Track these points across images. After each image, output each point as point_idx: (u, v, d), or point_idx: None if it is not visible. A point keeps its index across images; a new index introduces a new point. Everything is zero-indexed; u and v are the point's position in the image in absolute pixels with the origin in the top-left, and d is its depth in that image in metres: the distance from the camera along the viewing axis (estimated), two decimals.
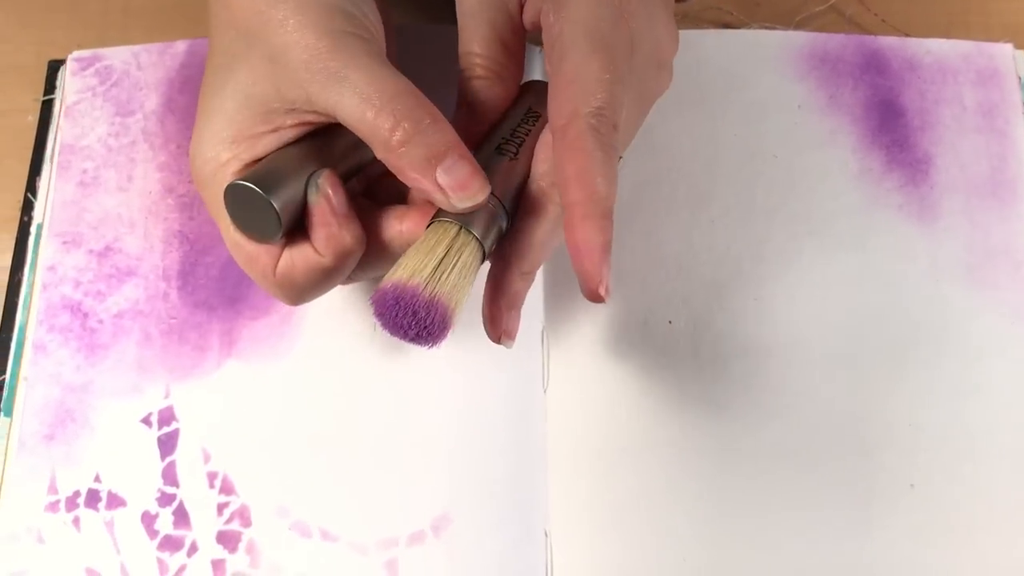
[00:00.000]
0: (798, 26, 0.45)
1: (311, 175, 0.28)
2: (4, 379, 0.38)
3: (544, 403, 0.37)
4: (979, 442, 0.36)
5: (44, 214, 0.40)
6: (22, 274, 0.39)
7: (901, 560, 0.35)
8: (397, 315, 0.26)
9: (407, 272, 0.27)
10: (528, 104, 0.31)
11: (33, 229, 0.41)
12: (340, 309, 0.37)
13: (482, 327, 0.30)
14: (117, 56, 0.42)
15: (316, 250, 0.28)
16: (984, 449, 0.36)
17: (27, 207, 0.41)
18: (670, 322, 0.38)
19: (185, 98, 0.40)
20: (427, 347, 0.27)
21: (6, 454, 0.37)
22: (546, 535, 0.35)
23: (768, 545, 0.35)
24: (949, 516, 0.35)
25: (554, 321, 0.38)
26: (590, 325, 0.38)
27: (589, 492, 0.36)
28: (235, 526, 0.35)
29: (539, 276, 0.38)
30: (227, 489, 0.35)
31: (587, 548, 0.36)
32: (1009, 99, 0.41)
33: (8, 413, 0.38)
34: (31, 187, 0.42)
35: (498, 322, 0.29)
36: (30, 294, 0.39)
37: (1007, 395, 0.36)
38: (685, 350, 0.37)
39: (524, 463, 0.36)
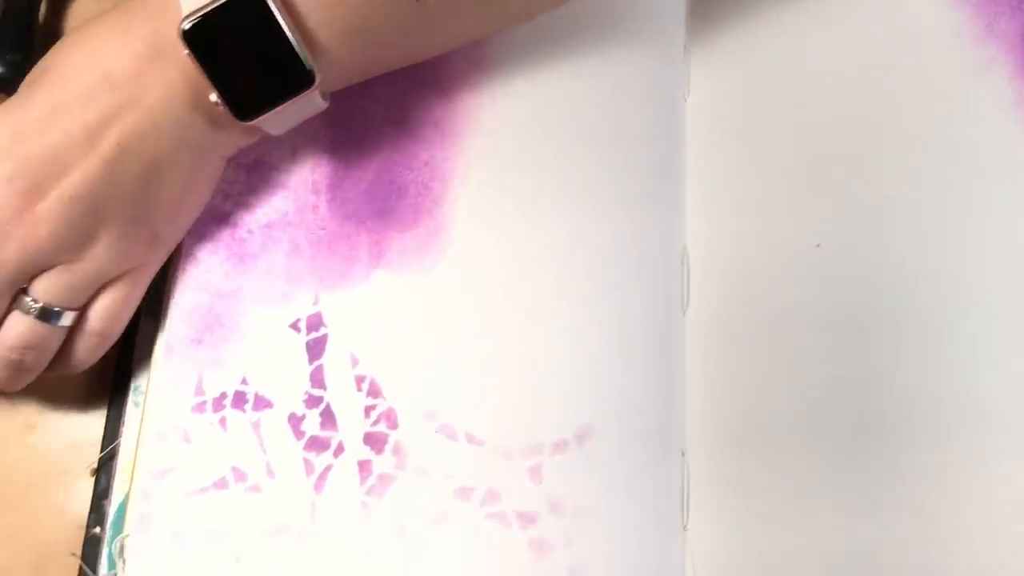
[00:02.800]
0: None
1: None
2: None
3: (684, 324, 0.38)
4: None
5: None
6: None
7: None
8: None
9: None
10: None
11: None
12: (488, 220, 0.39)
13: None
14: None
15: None
16: None
17: None
18: (818, 245, 0.39)
19: None
20: None
21: (152, 358, 0.39)
22: (682, 455, 0.36)
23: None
24: None
25: (696, 240, 0.41)
26: (738, 243, 0.39)
27: (725, 413, 0.37)
28: (382, 428, 0.37)
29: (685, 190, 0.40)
30: (374, 392, 0.37)
31: (721, 469, 0.36)
32: None
33: (155, 317, 0.40)
34: None
35: None
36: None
37: None
38: (832, 273, 0.38)
39: (665, 382, 0.37)
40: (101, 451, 0.43)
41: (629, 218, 0.42)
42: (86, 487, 0.43)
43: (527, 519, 0.38)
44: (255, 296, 0.42)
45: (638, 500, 0.39)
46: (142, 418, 0.41)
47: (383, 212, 0.43)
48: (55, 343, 0.38)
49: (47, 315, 0.37)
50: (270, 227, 0.43)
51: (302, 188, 0.44)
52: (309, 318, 0.41)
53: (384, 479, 0.39)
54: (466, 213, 0.42)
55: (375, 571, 0.38)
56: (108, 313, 0.39)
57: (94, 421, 0.44)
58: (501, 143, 0.43)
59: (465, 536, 0.38)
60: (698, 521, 0.39)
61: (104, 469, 0.43)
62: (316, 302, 0.42)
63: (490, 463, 0.39)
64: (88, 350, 0.40)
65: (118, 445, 0.42)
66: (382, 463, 0.39)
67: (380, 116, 0.44)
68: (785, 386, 0.40)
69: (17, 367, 0.37)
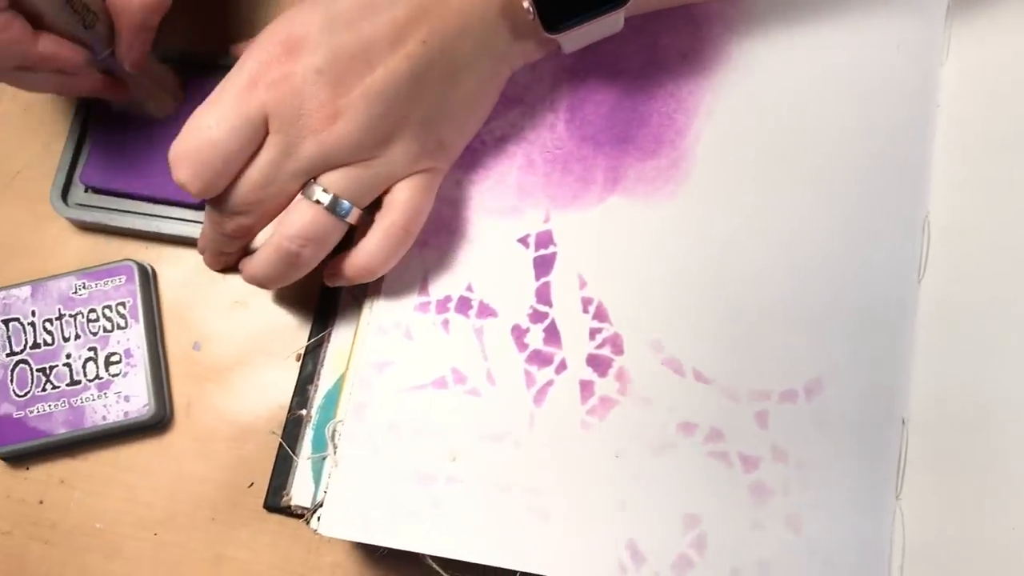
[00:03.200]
0: None
1: None
2: None
3: (917, 292, 0.38)
4: None
5: None
6: None
7: None
8: None
9: None
10: None
11: None
12: (732, 158, 0.41)
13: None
14: None
15: None
16: None
17: None
18: None
19: None
20: None
21: None
22: (903, 423, 0.36)
23: None
24: None
25: (939, 208, 0.42)
26: (982, 219, 0.41)
27: (950, 387, 0.37)
28: (606, 352, 0.37)
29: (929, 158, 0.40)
30: (600, 316, 0.37)
31: (940, 442, 0.36)
32: None
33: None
34: None
35: None
36: None
37: None
38: None
39: (895, 348, 0.37)
40: (309, 338, 0.43)
41: (873, 178, 0.42)
42: (290, 371, 0.44)
43: (750, 463, 0.38)
44: (484, 207, 0.42)
45: (857, 462, 0.39)
46: (363, 310, 0.42)
47: (623, 138, 0.43)
48: (334, 239, 0.38)
49: (335, 207, 0.37)
50: (504, 140, 0.43)
51: (540, 105, 0.44)
52: (539, 235, 0.42)
53: (605, 402, 0.39)
54: (708, 148, 0.42)
55: (589, 489, 0.38)
56: (409, 208, 0.39)
57: (303, 308, 0.45)
58: (749, 82, 0.43)
59: (685, 470, 0.38)
60: (911, 492, 0.39)
61: (311, 355, 0.43)
62: (547, 220, 0.42)
63: (716, 402, 0.39)
64: (390, 247, 0.39)
65: (328, 334, 0.43)
66: (605, 386, 0.39)
67: (628, 41, 0.44)
68: (1013, 367, 0.40)
69: (292, 260, 0.38)
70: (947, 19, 0.43)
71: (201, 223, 0.45)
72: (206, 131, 0.35)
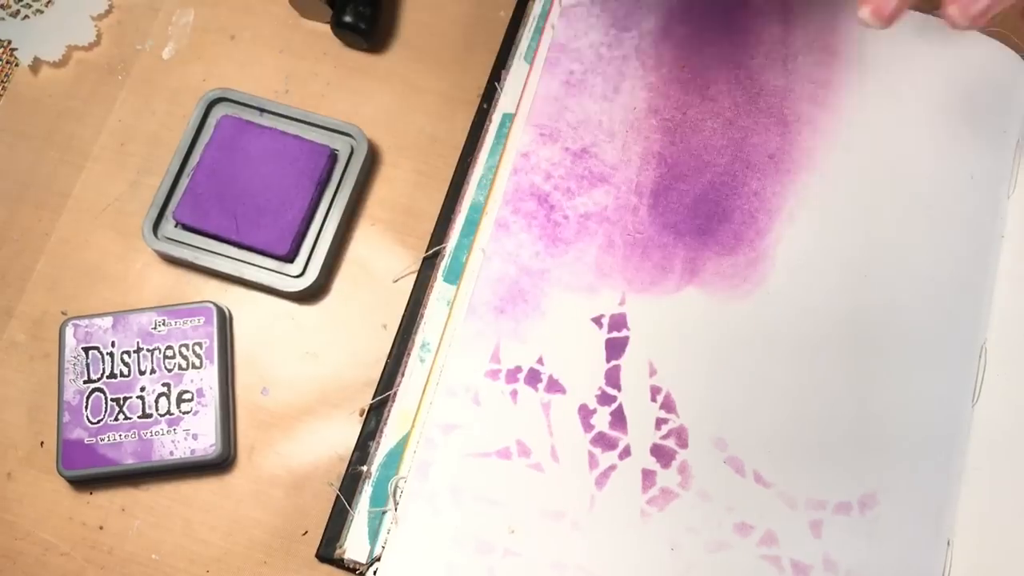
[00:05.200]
0: None
1: None
2: (445, 248, 0.41)
3: (971, 416, 0.38)
4: None
5: (517, 105, 0.44)
6: (476, 156, 0.43)
7: None
8: None
9: None
10: None
11: (496, 116, 0.44)
12: (810, 264, 0.43)
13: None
14: None
15: None
16: None
17: (488, 95, 0.45)
18: None
19: (684, 29, 0.43)
20: None
21: (448, 318, 0.41)
22: (948, 544, 0.37)
23: None
24: None
25: (998, 337, 0.42)
26: None
27: (999, 515, 0.37)
28: (671, 443, 0.38)
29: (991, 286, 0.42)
30: (668, 407, 0.38)
31: (985, 566, 0.37)
32: None
33: (453, 281, 0.41)
34: (496, 77, 0.45)
35: None
36: (491, 176, 0.42)
37: None
38: None
39: (947, 470, 0.38)
40: (375, 396, 0.44)
41: (938, 302, 0.42)
42: (353, 425, 0.45)
43: (801, 569, 0.39)
44: (562, 282, 0.43)
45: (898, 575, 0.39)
46: (430, 369, 0.43)
47: (704, 231, 0.44)
48: None
49: None
50: (587, 217, 0.44)
51: (625, 187, 0.45)
52: (613, 316, 0.42)
53: (666, 493, 0.40)
54: (788, 252, 0.43)
55: None
56: None
57: (370, 365, 0.46)
58: (833, 190, 0.43)
59: (737, 570, 0.39)
60: None
61: (375, 413, 0.44)
62: (622, 303, 0.43)
63: (773, 506, 0.39)
64: None
65: (394, 394, 0.44)
66: (666, 478, 0.40)
67: (718, 135, 0.45)
68: None
69: None
70: (1016, 152, 0.44)
71: (280, 272, 0.46)
72: None
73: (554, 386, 0.41)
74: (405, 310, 0.45)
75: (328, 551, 0.42)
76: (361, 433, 0.44)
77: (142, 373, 0.44)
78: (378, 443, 0.43)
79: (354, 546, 0.42)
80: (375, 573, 0.39)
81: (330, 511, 0.43)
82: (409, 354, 0.44)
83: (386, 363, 0.45)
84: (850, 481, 0.40)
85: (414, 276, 0.46)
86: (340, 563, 0.42)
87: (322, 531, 0.43)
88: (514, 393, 0.41)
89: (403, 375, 0.44)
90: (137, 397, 0.44)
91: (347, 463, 0.43)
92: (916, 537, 0.40)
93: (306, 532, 0.44)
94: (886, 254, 0.42)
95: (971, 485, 0.41)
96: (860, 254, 0.42)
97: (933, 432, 0.41)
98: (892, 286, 0.42)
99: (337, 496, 0.43)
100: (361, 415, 0.45)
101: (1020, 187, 0.45)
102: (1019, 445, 0.41)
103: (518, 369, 0.42)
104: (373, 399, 0.44)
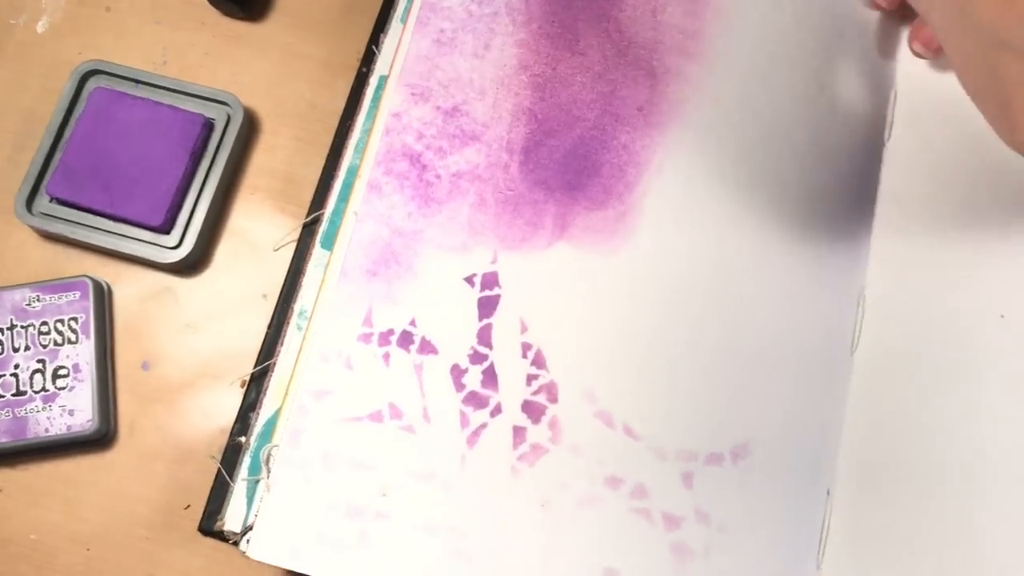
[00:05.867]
0: None
1: None
2: (323, 214, 0.40)
3: (851, 364, 0.38)
4: None
5: (390, 66, 0.43)
6: (354, 121, 0.42)
7: None
8: None
9: None
10: None
11: (373, 80, 0.43)
12: (678, 216, 0.42)
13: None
14: None
15: None
16: None
17: (367, 59, 0.44)
18: (1002, 316, 0.39)
19: None
20: None
21: (322, 284, 0.40)
22: (828, 494, 0.36)
23: None
24: None
25: (876, 283, 0.42)
26: (911, 294, 0.42)
27: (878, 458, 0.37)
28: (541, 399, 0.37)
29: (871, 233, 0.42)
30: (539, 363, 0.38)
31: (867, 512, 0.37)
32: None
33: (328, 247, 0.41)
34: (375, 41, 0.44)
35: None
36: (366, 139, 0.41)
37: None
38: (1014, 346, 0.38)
39: (824, 418, 0.38)
40: (255, 366, 0.44)
41: (812, 247, 0.42)
42: (234, 396, 0.44)
43: (672, 521, 0.39)
44: (435, 242, 0.43)
45: (780, 529, 0.39)
46: (304, 337, 0.42)
47: (574, 186, 0.43)
48: None
49: None
50: (459, 176, 0.44)
51: (496, 144, 0.44)
52: (485, 275, 0.42)
53: (536, 449, 0.39)
54: (656, 204, 0.42)
55: (513, 535, 0.38)
56: None
57: (252, 336, 0.45)
58: (703, 142, 0.43)
59: (608, 523, 0.39)
60: (833, 564, 0.39)
61: (255, 383, 0.44)
62: (494, 260, 0.42)
63: (644, 459, 0.39)
64: None
65: (274, 363, 0.43)
66: (537, 433, 0.40)
67: (587, 89, 0.44)
68: (943, 440, 0.40)
69: None
70: (892, 99, 0.44)
71: (157, 244, 0.45)
72: None
73: (426, 347, 0.41)
74: (285, 279, 0.44)
75: (209, 524, 0.42)
76: (242, 404, 0.43)
77: (16, 350, 0.43)
78: (257, 414, 0.43)
79: (233, 517, 0.41)
80: (248, 541, 0.39)
81: (212, 484, 0.42)
82: (288, 323, 0.44)
83: (266, 333, 0.44)
84: (721, 432, 0.39)
85: (294, 244, 0.45)
86: (221, 535, 0.42)
87: (204, 504, 0.42)
88: (386, 356, 0.41)
89: (282, 344, 0.44)
90: (11, 375, 0.43)
91: (228, 435, 0.43)
92: (793, 487, 0.40)
93: (188, 506, 0.43)
94: (756, 202, 0.42)
95: (851, 434, 0.41)
96: (729, 204, 0.42)
97: (808, 381, 0.41)
98: (763, 233, 0.42)
99: (218, 469, 0.42)
100: (242, 386, 0.44)
101: (896, 135, 0.44)
102: (900, 393, 0.41)
103: (390, 332, 0.41)
104: (254, 369, 0.44)
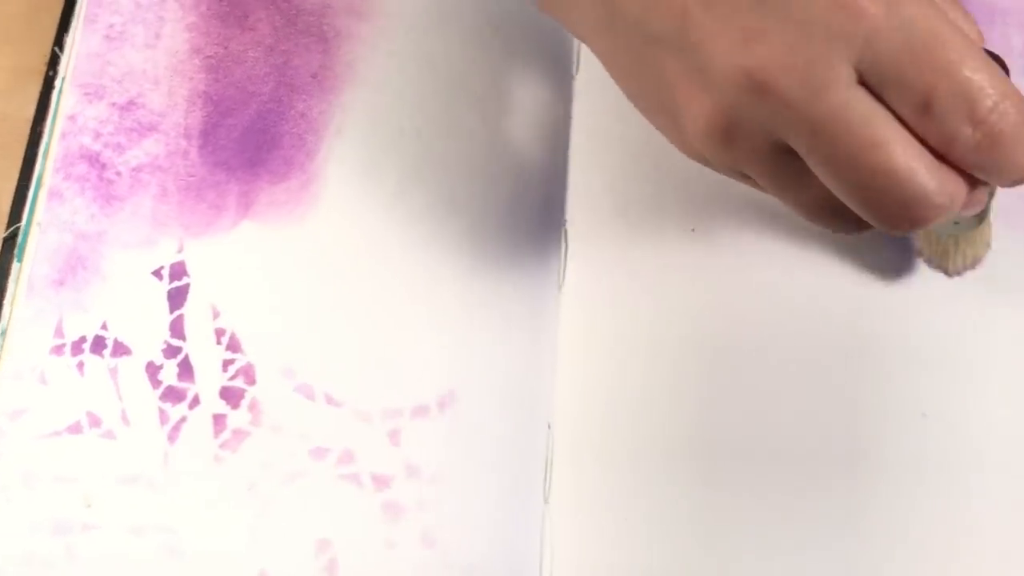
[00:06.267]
0: None
1: None
2: (19, 226, 0.39)
3: (558, 300, 0.38)
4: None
5: (66, 67, 0.41)
6: (44, 126, 0.40)
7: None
8: None
9: None
10: None
11: (58, 83, 0.42)
12: (361, 176, 0.38)
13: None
14: None
15: None
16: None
17: (53, 62, 0.42)
18: (693, 230, 0.39)
19: None
20: None
21: (14, 300, 0.39)
22: (549, 427, 0.37)
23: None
24: (959, 448, 0.39)
25: (578, 217, 0.42)
26: (618, 225, 0.42)
27: (597, 391, 0.37)
28: (239, 383, 0.37)
29: (568, 168, 0.42)
30: (234, 347, 0.37)
31: (589, 443, 0.37)
32: None
33: (20, 259, 0.39)
34: (59, 42, 0.43)
35: None
36: (49, 145, 0.40)
37: None
38: (718, 264, 0.39)
39: (535, 354, 0.37)
40: None
41: (509, 190, 0.42)
42: None
43: (381, 481, 0.38)
44: (120, 240, 0.41)
45: (497, 469, 0.39)
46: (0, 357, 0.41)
47: (254, 162, 0.42)
48: None
49: None
50: (139, 170, 0.42)
51: (174, 132, 0.43)
52: (172, 266, 0.41)
53: (238, 434, 0.39)
54: (339, 167, 0.42)
55: (221, 523, 0.38)
56: None
57: None
58: (379, 99, 0.42)
59: (315, 495, 0.38)
60: (561, 494, 0.39)
61: None
62: (180, 250, 0.41)
63: (348, 425, 0.39)
64: None
65: None
66: (237, 418, 0.39)
67: (261, 63, 0.43)
68: (652, 367, 0.40)
69: None
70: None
71: None
72: None
73: (120, 349, 0.40)
74: None
75: None
76: None
77: None
78: None
79: None
80: None
81: None
82: None
83: None
84: (424, 383, 0.39)
85: None
86: None
87: None
88: (80, 365, 0.40)
89: None
90: None
91: None
92: (509, 426, 0.40)
93: None
94: (438, 151, 0.42)
95: (566, 366, 0.41)
96: (411, 156, 0.42)
97: (514, 321, 0.41)
98: (449, 181, 0.41)
99: None
100: None
101: (584, 67, 0.44)
102: (608, 325, 0.41)
103: (83, 339, 0.40)
104: None
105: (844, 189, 0.27)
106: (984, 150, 0.25)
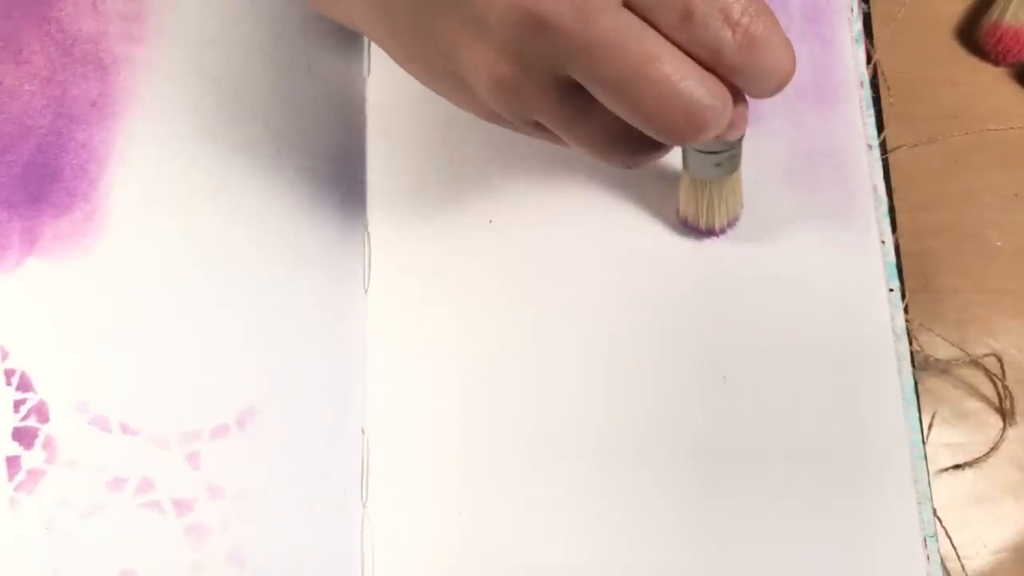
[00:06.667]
0: None
1: None
2: None
3: (364, 303, 0.38)
4: (795, 337, 0.40)
5: None
6: None
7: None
8: None
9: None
10: None
11: None
12: (147, 202, 0.38)
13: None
14: None
15: None
16: (801, 343, 0.40)
17: None
18: (491, 221, 0.39)
19: None
20: None
21: None
22: (363, 432, 0.36)
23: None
24: (760, 406, 0.39)
25: (379, 220, 0.42)
26: (419, 225, 0.42)
27: (408, 391, 0.37)
28: (32, 422, 0.36)
29: (366, 170, 0.43)
30: (24, 386, 0.36)
31: (405, 445, 0.37)
32: (835, 4, 0.43)
33: None
34: None
35: None
36: None
37: (826, 291, 0.38)
38: (517, 250, 0.39)
39: (342, 360, 0.37)
40: None
41: (302, 197, 0.42)
42: None
43: (183, 506, 0.38)
44: None
45: (308, 479, 0.39)
46: None
47: (36, 197, 0.41)
48: None
49: None
50: None
51: None
52: None
53: (33, 474, 0.38)
54: (124, 194, 0.41)
55: (21, 570, 0.36)
56: None
57: None
58: (161, 121, 0.42)
59: (116, 527, 0.37)
60: (379, 496, 0.39)
61: None
62: None
63: (145, 452, 0.38)
64: None
65: None
66: (31, 458, 0.38)
67: (38, 96, 0.42)
68: (461, 363, 0.40)
69: None
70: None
71: None
72: None
73: None
74: None
75: None
76: None
77: None
78: None
79: None
80: None
81: None
82: None
83: None
84: (222, 402, 0.38)
85: None
86: None
87: None
88: None
89: None
90: None
91: None
92: (317, 435, 0.39)
93: None
94: (227, 166, 0.41)
95: (375, 370, 0.40)
96: (197, 175, 0.41)
97: (315, 326, 0.40)
98: (241, 194, 0.41)
99: None
100: None
101: (375, 68, 0.44)
102: (416, 323, 0.41)
103: None
104: None
105: (627, 107, 0.28)
106: (744, 51, 0.26)
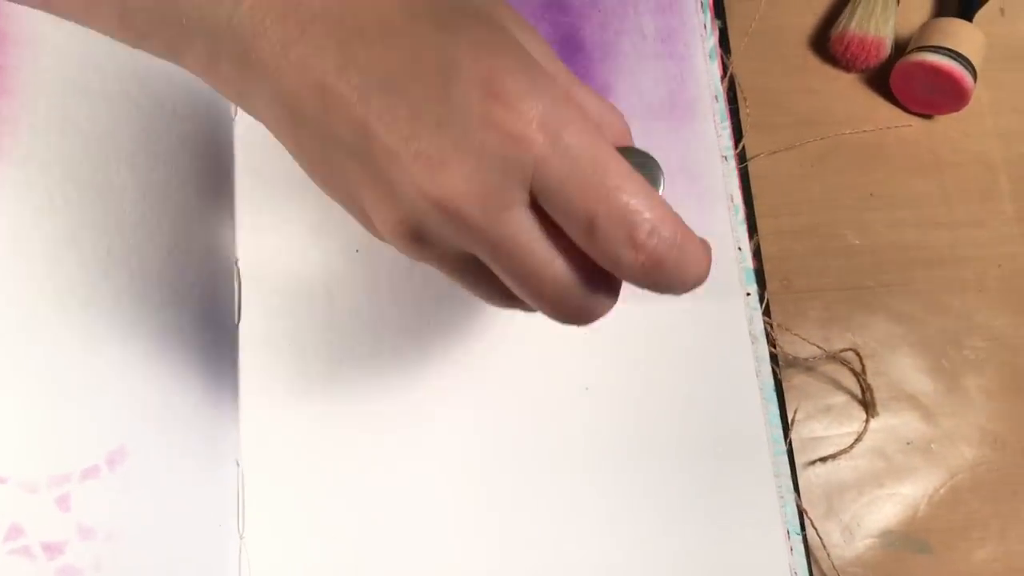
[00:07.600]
0: None
1: None
2: None
3: (236, 335, 0.38)
4: (654, 347, 0.41)
5: None
6: None
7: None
8: None
9: None
10: None
11: None
12: (11, 254, 0.41)
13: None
14: None
15: None
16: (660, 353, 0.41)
17: None
18: (357, 251, 0.40)
19: None
20: None
21: None
22: (237, 464, 0.37)
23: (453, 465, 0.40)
24: (621, 414, 0.40)
25: (248, 255, 0.43)
26: (287, 256, 0.43)
27: (281, 421, 0.38)
28: None
29: (235, 207, 0.43)
30: None
31: (280, 474, 0.37)
32: (688, 23, 0.45)
33: None
34: None
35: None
36: None
37: (682, 303, 0.42)
38: (385, 281, 0.40)
39: (213, 393, 0.38)
40: None
41: (170, 237, 0.42)
42: None
43: (54, 549, 0.38)
44: None
45: (181, 515, 0.39)
46: None
47: None
48: None
49: None
50: None
51: None
52: None
53: None
54: None
55: None
56: None
57: None
58: (26, 173, 0.42)
59: None
60: (255, 526, 0.39)
61: None
62: None
63: (13, 498, 0.38)
64: None
65: None
66: None
67: None
68: (337, 388, 0.41)
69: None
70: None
71: None
72: None
73: None
74: None
75: None
76: None
77: None
78: None
79: None
80: None
81: None
82: None
83: None
84: (91, 444, 0.39)
85: None
86: None
87: None
88: None
89: None
90: None
91: None
92: (190, 471, 0.40)
93: None
94: (94, 213, 0.42)
95: (248, 402, 0.41)
96: (63, 224, 0.41)
97: (185, 361, 0.41)
98: (108, 239, 0.41)
99: None
100: None
101: (241, 118, 0.45)
102: (287, 352, 0.42)
103: None
104: None
105: (523, 295, 0.29)
106: (648, 273, 0.26)
